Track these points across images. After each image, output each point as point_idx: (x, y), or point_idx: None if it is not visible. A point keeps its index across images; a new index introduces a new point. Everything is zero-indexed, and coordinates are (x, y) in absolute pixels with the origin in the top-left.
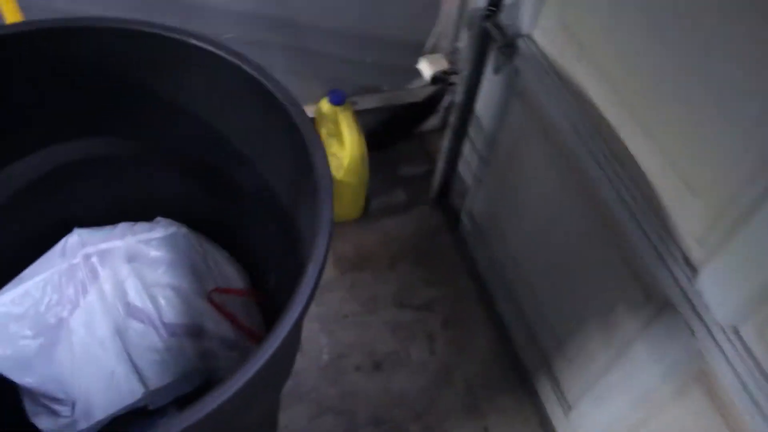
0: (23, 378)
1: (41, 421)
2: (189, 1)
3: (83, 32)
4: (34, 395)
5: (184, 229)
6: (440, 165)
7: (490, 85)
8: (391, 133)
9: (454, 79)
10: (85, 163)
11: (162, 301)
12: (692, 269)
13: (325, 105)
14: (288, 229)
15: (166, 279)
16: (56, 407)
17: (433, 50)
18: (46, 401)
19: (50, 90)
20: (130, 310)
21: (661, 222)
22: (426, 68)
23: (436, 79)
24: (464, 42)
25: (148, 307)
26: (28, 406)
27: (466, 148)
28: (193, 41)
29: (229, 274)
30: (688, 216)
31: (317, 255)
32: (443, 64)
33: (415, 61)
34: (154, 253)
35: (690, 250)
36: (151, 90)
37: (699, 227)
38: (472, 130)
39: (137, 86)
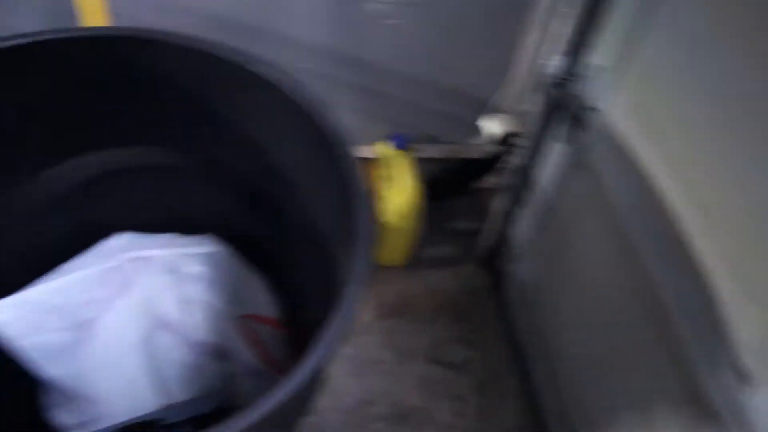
0: (48, 369)
1: (56, 416)
2: (269, 29)
3: (152, 44)
4: (54, 389)
5: (227, 250)
6: (492, 225)
7: (554, 153)
8: (447, 185)
9: (518, 141)
10: (137, 170)
11: (194, 318)
12: (743, 380)
13: (385, 147)
14: (326, 266)
15: (202, 296)
16: (74, 405)
17: (497, 108)
18: (64, 397)
19: (112, 95)
20: (162, 321)
21: (716, 325)
22: (493, 127)
23: (504, 141)
24: (531, 105)
25: (180, 321)
26: (45, 400)
27: (521, 213)
28: (256, 67)
29: (264, 302)
30: (745, 324)
31: (346, 306)
32: (511, 126)
33: (478, 117)
34: (195, 268)
35: (743, 360)
36: (210, 107)
37: (756, 338)
38: (529, 195)
39: (196, 102)
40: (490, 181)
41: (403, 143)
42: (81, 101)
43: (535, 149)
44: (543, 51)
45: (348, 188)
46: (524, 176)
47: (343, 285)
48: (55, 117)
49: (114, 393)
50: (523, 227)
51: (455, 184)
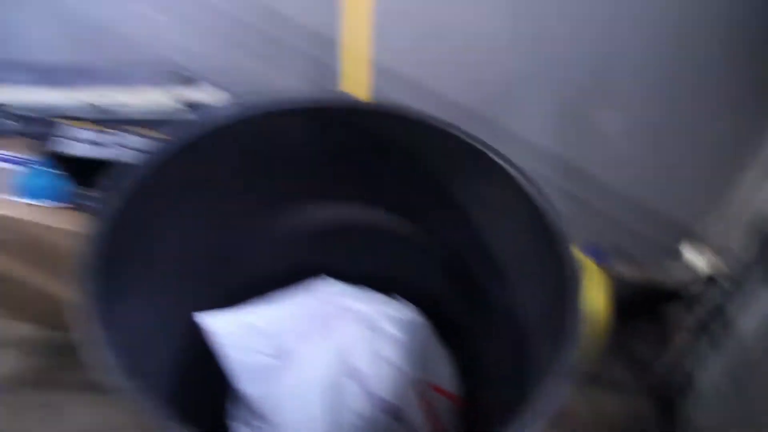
0: (244, 386)
1: (237, 427)
2: (498, 122)
3: (400, 119)
4: (242, 403)
5: (422, 320)
6: (674, 359)
7: (760, 300)
8: (634, 306)
9: (719, 277)
10: (358, 226)
11: (381, 375)
12: None
13: (578, 255)
14: (521, 353)
15: (393, 357)
16: (256, 423)
17: (701, 239)
18: (249, 413)
19: (357, 157)
20: (351, 370)
21: None
22: (693, 257)
23: (702, 273)
24: (740, 244)
25: (368, 374)
26: (232, 410)
27: (710, 355)
28: (490, 153)
29: (446, 374)
30: None
31: (546, 404)
32: (713, 259)
33: (680, 244)
34: (392, 330)
35: None
36: (439, 182)
37: None
38: (723, 339)
39: (428, 175)
40: (680, 311)
41: (599, 256)
42: (329, 158)
43: (738, 291)
44: (764, 191)
45: (564, 283)
46: (721, 317)
47: (542, 380)
48: (304, 168)
49: (292, 424)
50: (711, 370)
51: (642, 307)
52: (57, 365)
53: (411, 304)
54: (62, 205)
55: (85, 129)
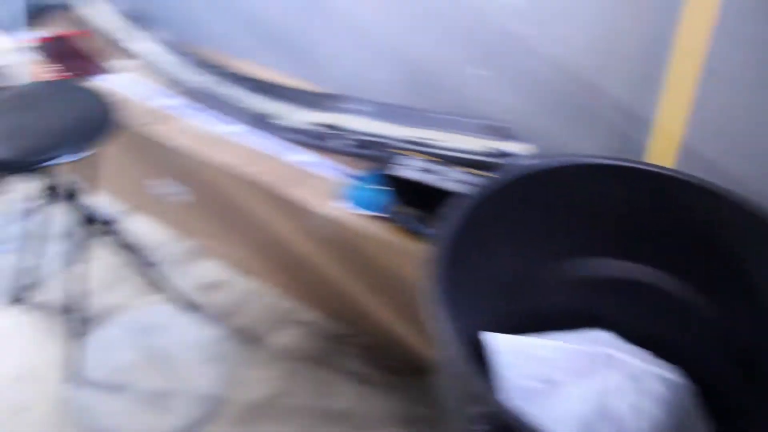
0: (511, 403)
1: None
2: None
3: (706, 193)
4: None
5: (687, 383)
6: None
7: None
8: None
9: None
10: (633, 284)
11: (638, 427)
12: None
13: None
14: None
15: (652, 412)
16: None
17: None
18: None
19: (643, 218)
20: (609, 415)
21: None
22: None
23: None
24: None
25: (626, 423)
26: None
27: None
28: None
29: None
30: None
31: None
32: None
33: None
34: (655, 386)
35: None
36: (721, 250)
37: None
38: None
39: (713, 243)
40: None
41: None
42: (624, 217)
43: None
44: None
45: None
46: None
47: None
48: (598, 223)
49: None
50: None
51: None
52: (333, 351)
53: (677, 367)
54: (382, 216)
55: (413, 158)
